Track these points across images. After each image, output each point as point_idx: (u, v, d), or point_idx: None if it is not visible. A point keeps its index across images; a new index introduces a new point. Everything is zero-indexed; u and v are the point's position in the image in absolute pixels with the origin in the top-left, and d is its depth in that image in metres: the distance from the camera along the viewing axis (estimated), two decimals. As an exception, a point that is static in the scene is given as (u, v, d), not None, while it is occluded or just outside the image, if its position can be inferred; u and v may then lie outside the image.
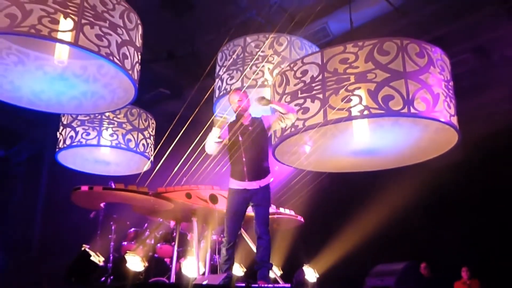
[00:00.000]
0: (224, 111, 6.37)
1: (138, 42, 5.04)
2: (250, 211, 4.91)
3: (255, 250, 4.98)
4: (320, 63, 5.04)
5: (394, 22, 7.49)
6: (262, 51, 6.17)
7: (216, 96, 6.48)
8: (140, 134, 7.57)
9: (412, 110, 4.69)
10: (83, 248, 6.62)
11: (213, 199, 5.56)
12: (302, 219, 6.83)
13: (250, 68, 6.10)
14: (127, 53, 4.72)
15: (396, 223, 8.34)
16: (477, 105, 7.89)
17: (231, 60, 6.35)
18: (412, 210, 8.43)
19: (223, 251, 4.79)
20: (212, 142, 4.63)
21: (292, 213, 6.72)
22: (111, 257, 6.83)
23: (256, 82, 6.05)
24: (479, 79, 8.18)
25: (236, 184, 4.76)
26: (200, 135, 4.90)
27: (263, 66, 6.10)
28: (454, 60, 5.58)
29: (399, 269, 8.05)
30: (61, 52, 4.81)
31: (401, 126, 5.40)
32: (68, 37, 4.24)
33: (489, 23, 7.56)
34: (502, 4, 7.28)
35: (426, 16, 7.53)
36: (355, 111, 4.77)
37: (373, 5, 7.24)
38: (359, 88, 4.79)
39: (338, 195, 9.24)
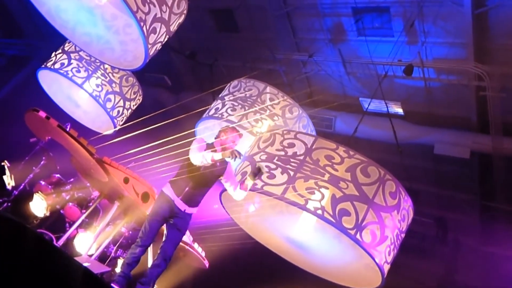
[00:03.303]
0: (209, 131, 6.44)
1: (173, 27, 5.11)
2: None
3: (149, 264, 4.93)
4: (309, 146, 5.16)
5: (388, 153, 7.78)
6: (273, 107, 6.29)
7: (210, 114, 6.52)
8: (122, 101, 7.52)
9: (358, 236, 4.78)
10: (2, 163, 6.40)
11: (145, 197, 5.51)
12: (207, 265, 6.76)
13: (255, 113, 6.20)
14: (158, 29, 4.78)
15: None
16: (411, 267, 8.09)
17: (243, 95, 6.45)
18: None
19: (135, 249, 4.74)
20: (205, 160, 4.61)
21: (203, 254, 6.65)
22: (22, 187, 6.62)
23: (252, 128, 6.13)
24: (426, 246, 8.43)
25: (170, 193, 4.82)
26: (173, 137, 4.90)
27: (266, 119, 6.21)
28: (416, 217, 5.76)
29: None
30: (104, -8, 4.84)
31: (341, 242, 5.47)
32: (119, -16, 4.29)
33: (462, 206, 7.91)
34: (482, 199, 7.65)
35: (416, 167, 7.85)
36: (311, 205, 4.84)
37: (381, 129, 7.53)
38: (327, 188, 4.89)
39: (255, 264, 9.17)
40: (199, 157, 4.60)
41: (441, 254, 8.42)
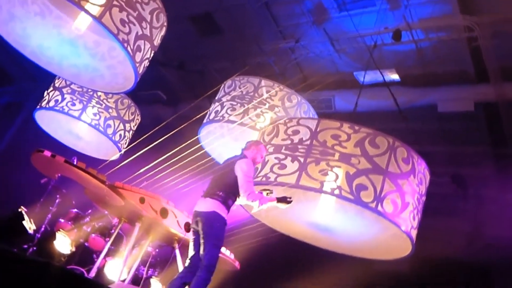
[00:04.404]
0: (212, 135, 6.45)
1: (157, 41, 5.13)
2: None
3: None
4: (313, 129, 5.16)
5: (393, 121, 7.76)
6: (271, 99, 6.29)
7: (210, 118, 6.52)
8: (121, 124, 7.55)
9: (379, 208, 4.79)
10: (20, 209, 6.46)
11: (164, 213, 5.54)
12: (238, 266, 6.79)
13: (255, 109, 6.20)
14: (142, 47, 4.80)
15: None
16: (439, 229, 8.08)
17: (239, 93, 6.44)
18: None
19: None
20: (257, 207, 4.53)
21: (232, 256, 6.68)
22: (43, 229, 6.67)
23: (255, 123, 6.14)
24: (449, 205, 8.41)
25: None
26: (178, 148, 4.92)
27: (267, 112, 6.21)
28: (433, 179, 5.75)
29: None
30: (82, 21, 4.87)
31: (364, 218, 5.48)
32: (95, 10, 4.32)
33: (476, 158, 7.88)
34: (495, 146, 7.62)
35: (423, 129, 7.83)
36: (327, 187, 4.86)
37: (381, 99, 7.52)
38: (340, 167, 4.90)
39: (281, 257, 9.21)
40: (256, 205, 4.49)
41: (465, 210, 8.40)
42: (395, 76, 7.72)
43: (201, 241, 4.42)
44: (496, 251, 7.69)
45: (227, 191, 4.53)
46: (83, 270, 6.30)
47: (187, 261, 4.53)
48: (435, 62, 7.63)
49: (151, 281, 6.64)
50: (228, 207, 4.51)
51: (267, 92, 6.39)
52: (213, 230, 4.41)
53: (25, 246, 6.46)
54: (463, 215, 8.41)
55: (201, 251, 4.39)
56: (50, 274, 2.72)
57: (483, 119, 7.64)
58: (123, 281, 5.77)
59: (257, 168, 5.10)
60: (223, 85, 6.79)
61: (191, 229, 4.58)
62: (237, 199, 4.61)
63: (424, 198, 5.38)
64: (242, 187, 4.49)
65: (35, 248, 6.47)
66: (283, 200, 4.62)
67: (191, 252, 4.54)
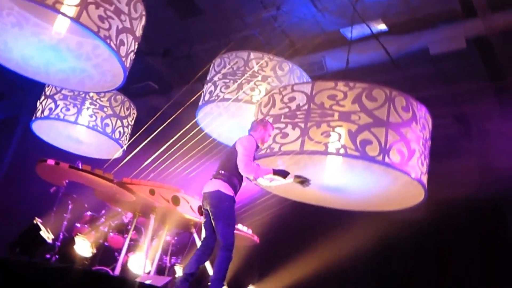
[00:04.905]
0: (209, 116, 6.45)
1: (138, 32, 5.07)
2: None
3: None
4: (309, 93, 5.15)
5: (387, 72, 7.71)
6: (263, 70, 6.25)
7: (205, 99, 6.49)
8: (119, 121, 7.54)
9: (386, 160, 4.81)
10: (34, 221, 6.52)
11: (176, 200, 5.58)
12: (257, 240, 6.87)
13: (248, 83, 6.17)
14: (125, 40, 4.75)
15: (348, 263, 8.43)
16: (448, 170, 8.11)
17: (230, 69, 6.41)
18: (366, 254, 8.55)
19: None
20: (268, 181, 4.61)
21: (249, 231, 6.75)
22: (61, 236, 6.74)
23: (251, 98, 6.12)
24: (454, 145, 8.43)
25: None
26: (178, 135, 4.92)
27: (261, 84, 6.18)
28: (435, 122, 5.75)
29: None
30: (61, 25, 4.83)
31: (373, 172, 5.51)
32: (71, 11, 4.27)
33: (475, 94, 7.85)
34: (493, 80, 7.57)
35: (418, 75, 7.78)
36: (332, 147, 4.88)
37: (372, 51, 7.45)
38: (341, 126, 4.90)
39: (298, 224, 9.30)
40: (264, 182, 4.56)
41: (471, 148, 8.40)
42: (382, 26, 7.62)
43: (212, 222, 4.47)
44: (506, 184, 7.74)
45: (231, 170, 4.55)
46: (107, 269, 6.39)
47: (200, 243, 4.60)
48: (420, 6, 7.52)
49: (176, 269, 6.75)
50: (233, 185, 4.52)
51: (258, 64, 6.35)
52: (220, 209, 4.44)
53: (48, 256, 6.54)
54: (471, 153, 8.43)
55: (216, 232, 4.44)
56: (75, 278, 2.77)
57: (476, 55, 7.57)
58: (148, 273, 5.86)
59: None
60: (212, 65, 6.75)
61: (203, 209, 4.64)
62: (243, 177, 4.62)
63: (429, 142, 5.39)
64: (239, 162, 4.51)
65: (57, 256, 6.55)
66: (280, 172, 4.63)
67: (203, 234, 4.61)
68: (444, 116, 8.17)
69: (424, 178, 5.20)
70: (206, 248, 4.54)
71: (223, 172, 4.55)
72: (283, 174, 4.63)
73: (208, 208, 4.51)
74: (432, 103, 7.20)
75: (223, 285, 4.37)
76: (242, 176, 4.60)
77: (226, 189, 4.47)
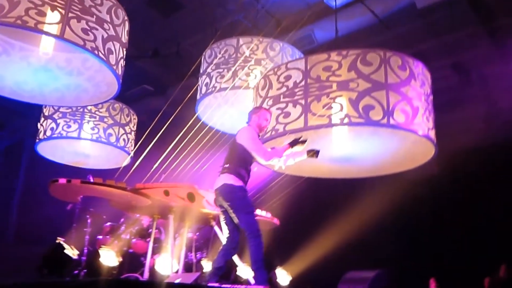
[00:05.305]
0: (209, 108, 6.45)
1: (124, 38, 5.07)
2: None
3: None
4: (303, 69, 5.13)
5: (378, 34, 7.65)
6: (255, 54, 6.23)
7: (203, 92, 6.49)
8: (121, 129, 7.57)
9: (392, 121, 4.81)
10: (57, 241, 6.59)
11: (191, 197, 5.60)
12: (277, 222, 6.91)
13: (242, 69, 6.16)
14: (112, 48, 4.75)
15: (369, 230, 8.46)
16: (454, 121, 8.08)
17: (222, 59, 6.38)
18: (386, 219, 8.57)
19: None
20: (292, 160, 4.62)
21: (268, 215, 6.79)
22: (86, 251, 6.80)
23: (248, 84, 6.11)
24: (457, 95, 8.38)
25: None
26: (182, 132, 4.93)
27: (255, 68, 6.16)
28: (434, 75, 5.72)
29: (370, 277, 8.16)
30: (47, 44, 4.82)
31: (380, 136, 5.52)
32: (54, 29, 4.27)
33: (469, 41, 7.77)
34: (484, 23, 7.49)
35: (409, 31, 7.70)
36: (335, 119, 4.87)
37: (359, 16, 7.39)
38: (341, 96, 4.89)
39: (314, 200, 9.34)
40: (276, 161, 4.56)
41: (474, 94, 8.35)
42: (365, -11, 7.53)
43: (232, 215, 4.49)
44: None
45: (235, 162, 4.56)
46: (136, 275, 6.46)
47: (224, 240, 4.63)
48: (399, -39, 7.42)
49: (202, 264, 6.81)
50: (240, 176, 4.52)
51: (248, 48, 6.32)
52: (235, 201, 4.46)
53: (76, 272, 6.62)
54: (475, 100, 8.38)
55: (238, 224, 4.47)
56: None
57: (463, 1, 7.48)
58: (176, 272, 5.92)
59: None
60: (203, 57, 6.73)
61: (219, 208, 4.65)
62: (249, 166, 4.63)
63: (431, 97, 5.37)
64: (254, 153, 4.52)
65: (85, 270, 6.62)
66: (295, 143, 4.64)
67: (225, 232, 4.62)
68: (442, 68, 8.11)
69: (432, 133, 5.19)
70: (232, 243, 4.58)
71: (228, 165, 4.57)
72: (299, 141, 4.62)
73: (223, 204, 4.54)
74: (428, 57, 7.16)
75: (266, 272, 4.41)
76: (248, 167, 4.62)
77: (234, 181, 4.49)
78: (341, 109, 4.85)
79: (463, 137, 7.79)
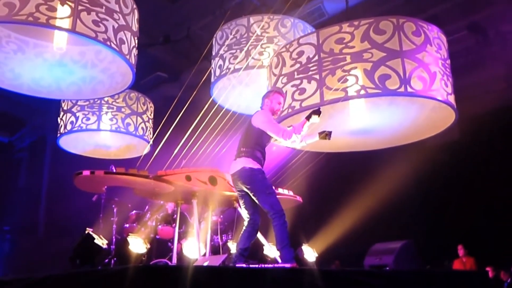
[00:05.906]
0: (224, 91, 6.43)
1: (135, 26, 5.07)
2: None
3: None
4: (316, 43, 5.06)
5: (389, 1, 7.49)
6: (266, 32, 6.16)
7: (217, 75, 6.45)
8: (139, 118, 7.64)
9: (409, 89, 4.73)
10: (86, 232, 6.73)
11: (213, 181, 5.64)
12: (300, 199, 6.92)
13: (255, 48, 6.10)
14: (124, 38, 4.76)
15: (393, 201, 8.44)
16: (474, 83, 7.93)
17: (234, 39, 6.32)
18: (409, 189, 8.52)
19: None
20: (301, 139, 4.56)
21: (291, 193, 6.80)
22: (114, 240, 6.93)
23: (262, 62, 6.06)
24: (475, 57, 8.20)
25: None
26: (199, 116, 4.94)
27: (268, 47, 6.10)
28: (450, 38, 5.59)
29: (397, 247, 8.15)
30: (60, 39, 4.85)
31: (398, 105, 5.44)
32: (66, 24, 4.29)
33: (483, 0, 7.57)
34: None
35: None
36: (351, 91, 4.82)
37: (369, -17, 7.25)
38: (356, 68, 4.83)
39: (336, 175, 9.33)
40: (290, 143, 4.51)
41: (493, 54, 8.16)
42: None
43: (253, 198, 4.50)
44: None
45: (251, 145, 4.53)
46: (165, 260, 6.57)
47: (246, 223, 4.64)
48: None
49: (229, 245, 6.89)
50: (257, 159, 4.51)
51: (259, 27, 6.26)
52: (255, 184, 4.45)
53: (106, 260, 6.76)
54: (494, 59, 8.19)
55: (261, 206, 4.47)
56: (139, 275, 2.86)
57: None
58: (204, 255, 6.00)
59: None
60: (214, 39, 6.68)
61: (236, 192, 4.67)
62: (264, 149, 4.61)
63: (448, 61, 5.26)
64: (274, 134, 4.51)
65: (115, 259, 6.76)
66: (310, 115, 4.56)
67: (245, 215, 4.64)
68: (458, 29, 7.93)
69: (452, 98, 5.10)
70: (254, 225, 4.60)
71: (244, 149, 4.55)
72: (314, 114, 4.53)
73: (242, 187, 4.54)
74: (442, 20, 7.01)
75: (292, 250, 4.43)
76: (264, 149, 4.60)
77: (252, 163, 4.47)
78: (357, 81, 4.79)
79: (483, 99, 7.65)
